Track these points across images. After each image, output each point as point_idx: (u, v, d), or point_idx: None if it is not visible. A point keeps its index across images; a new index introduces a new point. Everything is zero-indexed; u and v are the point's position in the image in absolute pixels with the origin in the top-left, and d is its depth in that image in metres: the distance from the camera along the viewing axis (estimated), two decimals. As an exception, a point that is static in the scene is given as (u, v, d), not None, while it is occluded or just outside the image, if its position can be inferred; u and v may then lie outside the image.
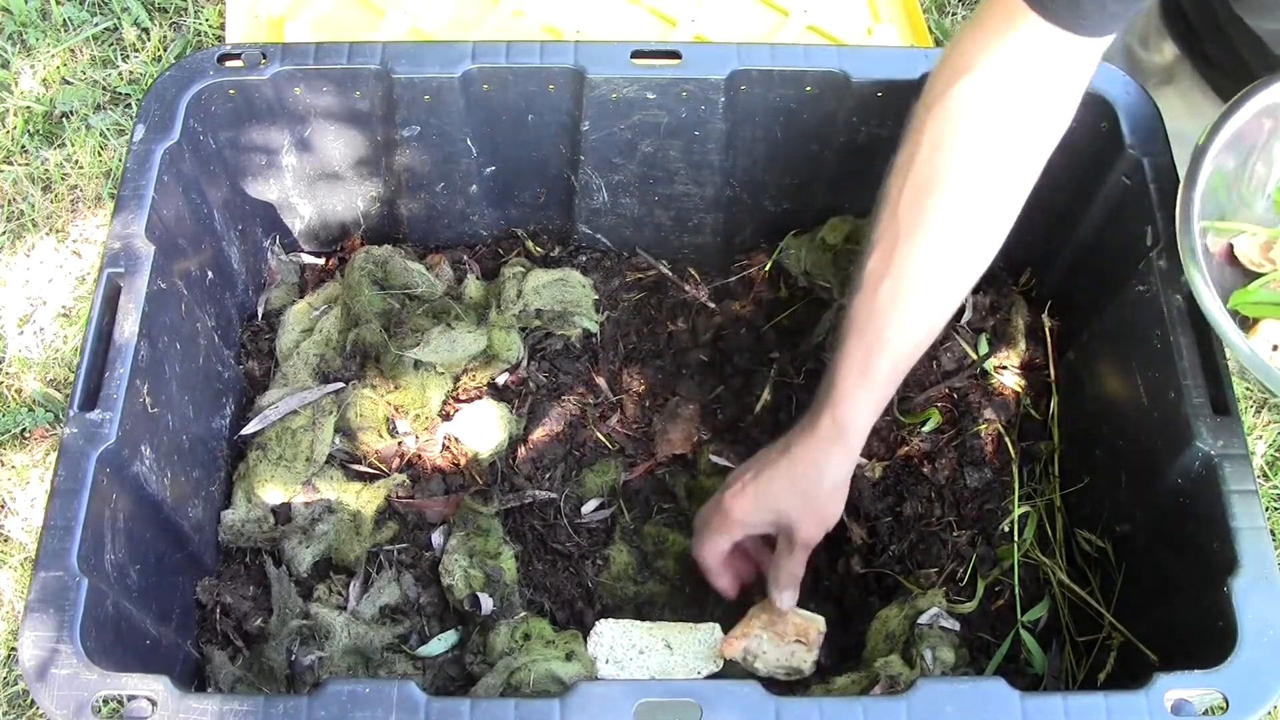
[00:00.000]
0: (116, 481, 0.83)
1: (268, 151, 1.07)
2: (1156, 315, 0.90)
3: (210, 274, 1.04)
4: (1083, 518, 1.01)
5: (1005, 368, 1.08)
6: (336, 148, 1.08)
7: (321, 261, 1.20)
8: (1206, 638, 0.79)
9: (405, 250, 1.15)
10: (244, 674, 0.94)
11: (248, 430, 1.04)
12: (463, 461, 1.07)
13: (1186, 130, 1.02)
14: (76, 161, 1.99)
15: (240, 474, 1.04)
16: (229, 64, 0.99)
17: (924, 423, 1.04)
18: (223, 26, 1.78)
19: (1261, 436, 1.82)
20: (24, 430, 1.75)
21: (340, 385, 1.07)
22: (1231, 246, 0.91)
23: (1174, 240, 0.92)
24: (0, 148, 2.00)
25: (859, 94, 1.01)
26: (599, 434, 1.12)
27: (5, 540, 1.67)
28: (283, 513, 1.02)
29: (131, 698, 0.73)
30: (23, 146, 2.01)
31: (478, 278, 1.16)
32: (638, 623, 0.99)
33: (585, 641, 0.97)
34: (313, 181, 1.12)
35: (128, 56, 2.12)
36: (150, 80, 2.06)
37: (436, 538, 1.03)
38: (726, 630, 0.98)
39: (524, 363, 1.12)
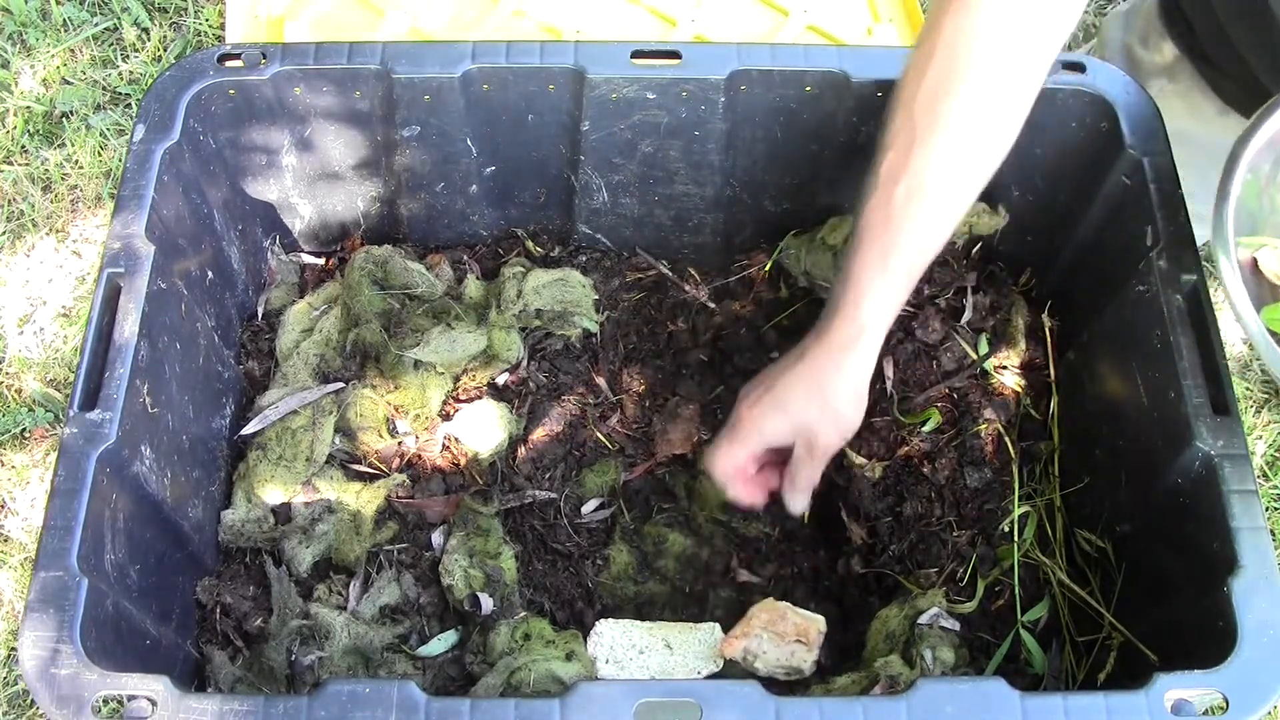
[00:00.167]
0: (116, 481, 0.83)
1: (268, 151, 1.07)
2: (1156, 315, 0.90)
3: (210, 274, 1.04)
4: (1083, 518, 1.01)
5: (1005, 368, 1.08)
6: (336, 148, 1.08)
7: (321, 261, 1.20)
8: (1206, 638, 0.79)
9: (405, 250, 1.15)
10: (244, 674, 0.94)
11: (248, 430, 1.04)
12: (463, 461, 1.07)
13: (1186, 130, 1.03)
14: (76, 161, 1.99)
15: (240, 474, 1.04)
16: (229, 64, 0.99)
17: (924, 423, 1.04)
18: (223, 26, 1.79)
19: (1261, 436, 1.82)
20: (24, 430, 1.75)
21: (340, 385, 1.07)
22: (1256, 260, 0.90)
23: (1174, 240, 0.92)
24: (0, 148, 2.00)
25: (859, 94, 1.01)
26: (599, 434, 1.12)
27: (5, 540, 1.67)
28: (283, 513, 1.02)
29: (131, 698, 0.73)
30: (23, 146, 2.01)
31: (478, 278, 1.16)
32: (638, 623, 0.99)
33: (585, 641, 0.97)
34: (313, 181, 1.12)
35: (128, 56, 2.12)
36: (150, 80, 2.06)
37: (436, 538, 1.03)
38: (726, 630, 0.98)
39: (524, 363, 1.12)
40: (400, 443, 1.07)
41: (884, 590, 1.02)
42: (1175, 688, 0.74)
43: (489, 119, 1.05)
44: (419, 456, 1.07)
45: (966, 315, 1.08)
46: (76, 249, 1.93)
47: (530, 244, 1.20)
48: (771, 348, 1.15)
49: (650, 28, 1.36)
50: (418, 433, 1.07)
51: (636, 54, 1.01)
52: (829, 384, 0.89)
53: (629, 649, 0.97)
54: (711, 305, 1.19)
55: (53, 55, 2.10)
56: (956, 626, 0.94)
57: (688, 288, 1.20)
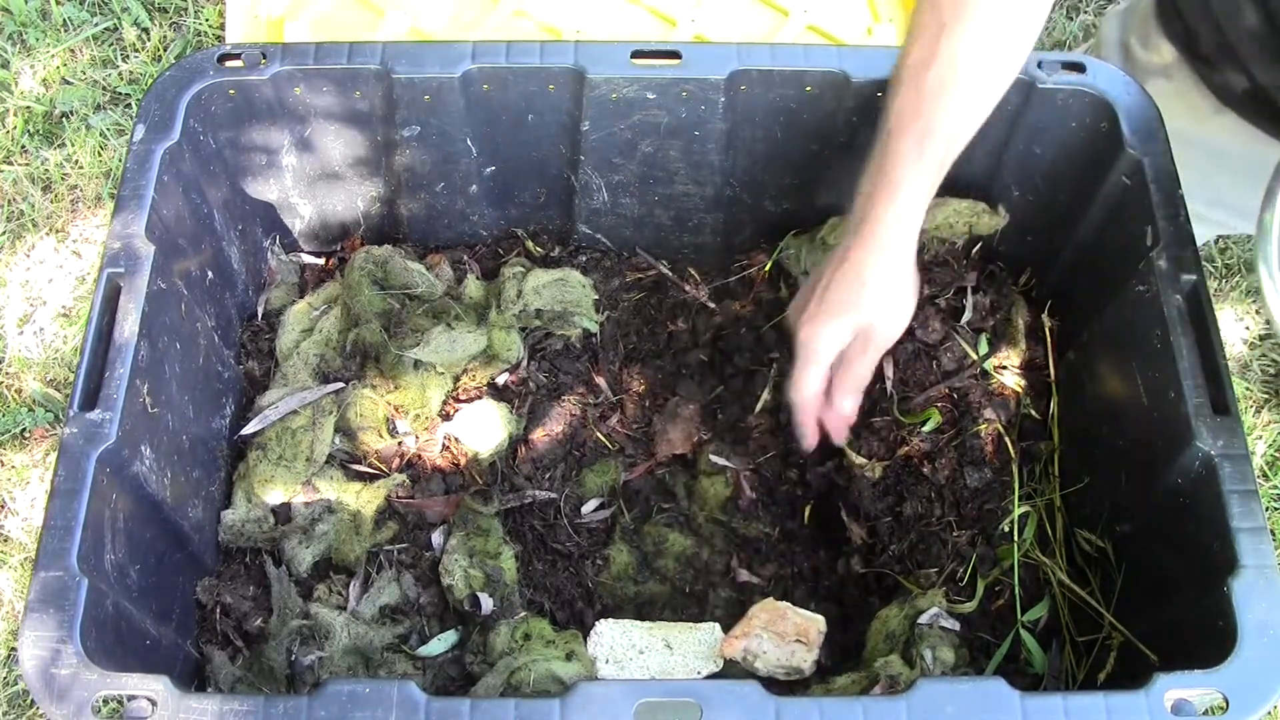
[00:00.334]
0: (116, 481, 0.83)
1: (268, 151, 1.07)
2: (1156, 315, 0.90)
3: (210, 274, 1.04)
4: (1083, 518, 1.01)
5: (1005, 368, 1.08)
6: (336, 148, 1.08)
7: (321, 261, 1.20)
8: (1206, 638, 0.79)
9: (405, 250, 1.15)
10: (244, 674, 0.94)
11: (248, 430, 1.04)
12: (463, 461, 1.07)
13: (1183, 130, 1.02)
14: (76, 161, 1.99)
15: (240, 474, 1.04)
16: (229, 64, 0.99)
17: (924, 423, 1.04)
18: (223, 26, 1.79)
19: (1261, 436, 1.82)
20: (24, 430, 1.75)
21: (340, 385, 1.07)
22: None
23: (1174, 240, 0.92)
24: (0, 148, 2.00)
25: (859, 94, 1.01)
26: (599, 434, 1.12)
27: (5, 540, 1.67)
28: (283, 513, 1.02)
29: (131, 698, 0.73)
30: (23, 146, 2.01)
31: (478, 278, 1.16)
32: (638, 623, 0.99)
33: (585, 641, 0.97)
34: (313, 181, 1.12)
35: (128, 56, 2.12)
36: (150, 80, 2.06)
37: (436, 538, 1.03)
38: (726, 630, 0.98)
39: (524, 363, 1.12)
40: (400, 443, 1.07)
41: (884, 590, 1.02)
42: (1175, 688, 0.74)
43: (489, 119, 1.06)
44: (419, 456, 1.07)
45: (966, 315, 1.08)
46: (76, 249, 1.93)
47: (530, 244, 1.20)
48: (771, 348, 1.15)
49: (650, 28, 1.36)
50: (418, 433, 1.07)
51: (636, 54, 1.01)
52: (880, 276, 0.89)
53: (629, 649, 0.97)
54: (711, 305, 1.19)
55: (53, 55, 2.10)
56: (956, 626, 0.94)
57: (688, 288, 1.20)
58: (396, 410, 1.07)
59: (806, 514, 1.10)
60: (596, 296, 1.16)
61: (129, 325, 0.86)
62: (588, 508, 1.09)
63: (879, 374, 1.06)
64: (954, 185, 1.00)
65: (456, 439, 1.08)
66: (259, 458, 1.02)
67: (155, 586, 0.90)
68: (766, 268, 1.18)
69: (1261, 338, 1.94)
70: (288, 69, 0.99)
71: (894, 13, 1.39)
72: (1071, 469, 1.04)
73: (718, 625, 0.99)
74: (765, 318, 1.17)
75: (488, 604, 0.96)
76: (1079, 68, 0.99)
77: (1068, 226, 1.07)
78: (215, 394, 1.03)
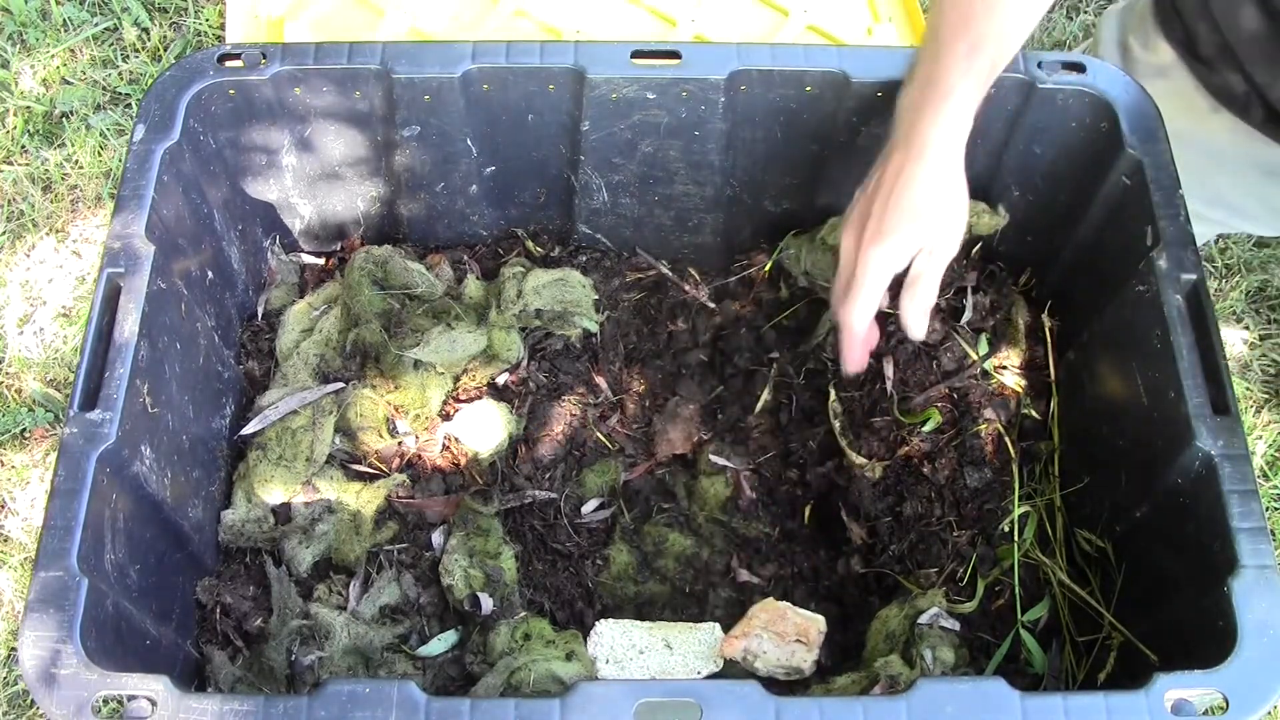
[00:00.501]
0: (116, 481, 0.83)
1: (268, 151, 1.07)
2: (1156, 315, 0.90)
3: (210, 274, 1.04)
4: (1083, 518, 1.01)
5: (1005, 368, 1.08)
6: (336, 148, 1.08)
7: (321, 261, 1.20)
8: (1206, 638, 0.79)
9: (405, 250, 1.15)
10: (244, 674, 0.94)
11: (248, 430, 1.04)
12: (463, 461, 1.07)
13: (1181, 129, 1.02)
14: (76, 161, 1.99)
15: (240, 474, 1.04)
16: (229, 64, 0.99)
17: (924, 423, 1.04)
18: (223, 26, 1.79)
19: (1261, 436, 1.82)
20: (24, 430, 1.75)
21: (340, 385, 1.07)
22: None
23: (1174, 240, 0.92)
24: (0, 148, 2.00)
25: (859, 94, 1.01)
26: (599, 434, 1.12)
27: (5, 540, 1.67)
28: (283, 513, 1.02)
29: (131, 698, 0.73)
30: (23, 146, 2.01)
31: (478, 278, 1.16)
32: (638, 623, 0.99)
33: (585, 641, 0.97)
34: (313, 181, 1.12)
35: (128, 56, 2.12)
36: (150, 80, 2.06)
37: (436, 538, 1.03)
38: (726, 630, 0.98)
39: (524, 363, 1.12)
40: (400, 443, 1.07)
41: (884, 590, 1.02)
42: (1175, 688, 0.74)
43: (489, 119, 1.05)
44: (419, 456, 1.07)
45: (966, 315, 1.08)
46: (76, 249, 1.93)
47: (530, 244, 1.20)
48: (771, 348, 1.15)
49: (650, 28, 1.37)
50: (418, 433, 1.07)
51: (636, 54, 1.01)
52: (938, 188, 0.88)
53: (629, 649, 0.97)
54: (711, 305, 1.19)
55: (53, 55, 2.10)
56: (956, 626, 0.94)
57: (688, 288, 1.20)
58: (396, 410, 1.07)
59: (806, 514, 1.10)
60: (596, 296, 1.16)
61: (129, 325, 0.86)
62: (588, 508, 1.09)
63: (879, 374, 1.06)
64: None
65: (456, 439, 1.08)
66: (259, 458, 1.02)
67: (155, 586, 0.90)
68: (766, 268, 1.18)
69: (1262, 338, 1.94)
70: (288, 69, 0.99)
71: (894, 13, 1.39)
72: (1071, 469, 1.04)
73: (718, 625, 0.99)
74: (765, 318, 1.17)
75: (488, 604, 0.96)
76: (1079, 68, 0.99)
77: (1068, 226, 1.07)
78: (215, 394, 1.03)
